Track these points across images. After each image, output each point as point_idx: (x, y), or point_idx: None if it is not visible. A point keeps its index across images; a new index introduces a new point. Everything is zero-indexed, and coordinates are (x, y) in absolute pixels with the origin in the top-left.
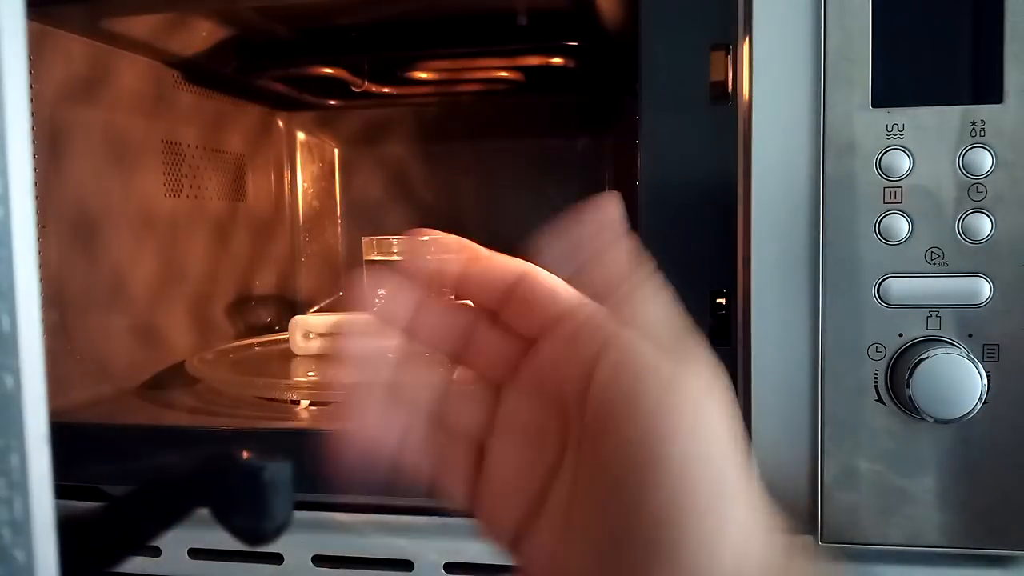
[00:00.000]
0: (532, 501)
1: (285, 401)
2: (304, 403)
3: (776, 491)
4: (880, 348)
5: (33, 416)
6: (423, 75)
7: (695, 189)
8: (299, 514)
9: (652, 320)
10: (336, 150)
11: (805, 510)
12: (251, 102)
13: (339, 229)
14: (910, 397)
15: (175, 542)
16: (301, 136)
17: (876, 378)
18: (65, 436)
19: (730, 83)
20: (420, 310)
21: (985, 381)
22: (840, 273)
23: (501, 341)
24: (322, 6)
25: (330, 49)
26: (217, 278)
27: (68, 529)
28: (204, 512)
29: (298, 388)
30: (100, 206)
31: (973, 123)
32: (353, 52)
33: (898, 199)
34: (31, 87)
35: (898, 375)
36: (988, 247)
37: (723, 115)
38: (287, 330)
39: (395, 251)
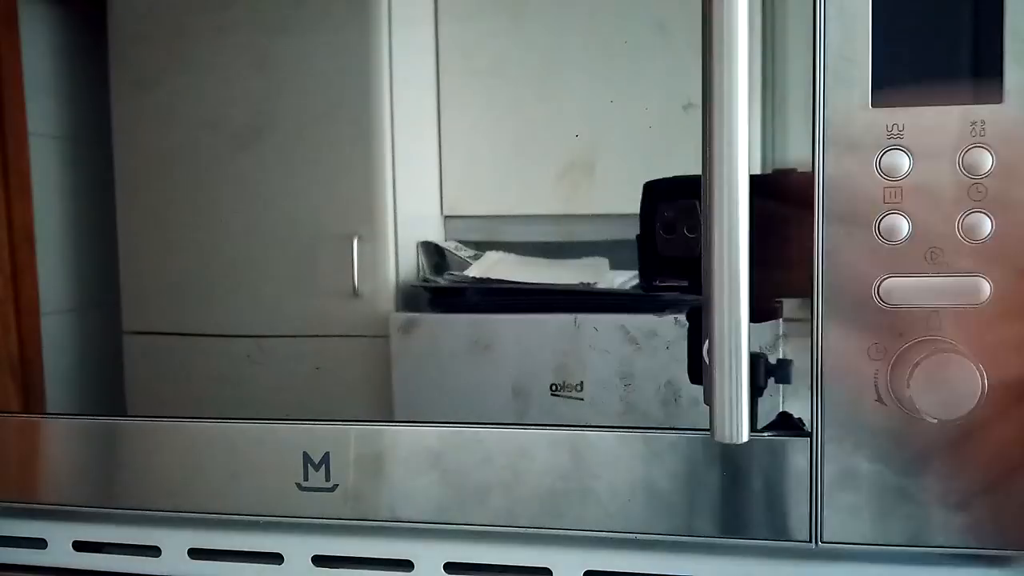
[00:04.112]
0: None
1: None
2: None
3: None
4: (880, 348)
5: None
6: None
7: None
8: (299, 514)
9: None
10: None
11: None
12: None
13: None
14: (910, 397)
15: (175, 542)
16: None
17: (876, 378)
18: None
19: None
20: None
21: (985, 381)
22: (840, 273)
23: None
24: None
25: None
26: None
27: None
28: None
29: None
30: None
31: (973, 123)
32: None
33: (898, 199)
34: None
35: (898, 375)
36: (988, 247)
37: None
38: None
39: None
